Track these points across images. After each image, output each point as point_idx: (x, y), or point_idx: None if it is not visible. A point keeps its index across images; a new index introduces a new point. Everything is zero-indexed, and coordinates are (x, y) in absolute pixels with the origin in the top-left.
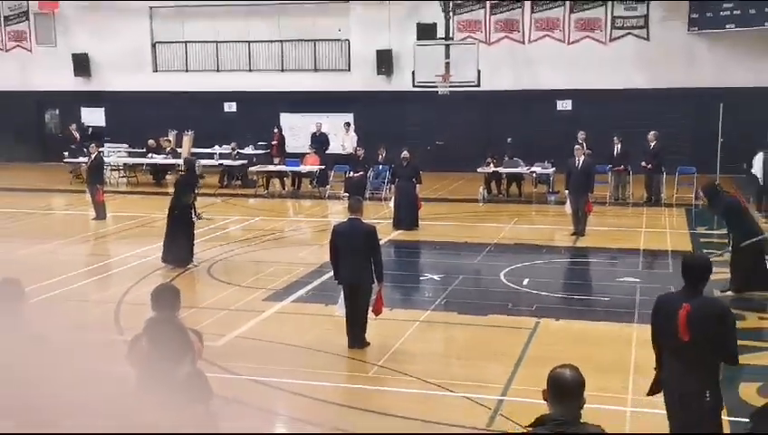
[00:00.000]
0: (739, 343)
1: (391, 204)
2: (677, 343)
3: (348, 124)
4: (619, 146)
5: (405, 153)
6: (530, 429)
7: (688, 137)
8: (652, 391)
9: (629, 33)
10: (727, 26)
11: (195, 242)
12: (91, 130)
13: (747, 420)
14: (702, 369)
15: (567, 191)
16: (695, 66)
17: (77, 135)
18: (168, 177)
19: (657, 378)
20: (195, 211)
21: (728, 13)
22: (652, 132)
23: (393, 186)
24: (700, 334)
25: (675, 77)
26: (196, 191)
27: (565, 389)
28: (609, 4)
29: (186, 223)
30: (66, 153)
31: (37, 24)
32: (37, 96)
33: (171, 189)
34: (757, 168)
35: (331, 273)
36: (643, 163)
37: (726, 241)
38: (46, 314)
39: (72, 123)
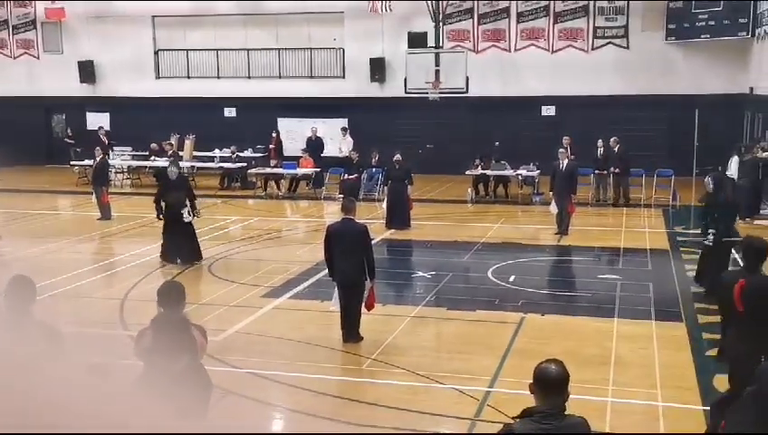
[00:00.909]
0: (714, 337)
1: (384, 205)
2: (735, 314)
3: (345, 129)
4: (602, 150)
5: (397, 156)
6: (517, 420)
7: (666, 141)
8: (718, 357)
9: (610, 43)
10: (702, 36)
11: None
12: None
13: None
14: (755, 337)
15: (552, 192)
16: (672, 74)
17: (105, 139)
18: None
19: (721, 344)
20: (190, 211)
21: (703, 24)
22: (613, 138)
23: (386, 187)
24: (752, 307)
25: (653, 84)
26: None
27: (551, 383)
28: (591, 15)
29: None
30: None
31: (44, 32)
32: (44, 101)
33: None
34: (733, 170)
35: (326, 270)
36: (612, 168)
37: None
38: (53, 310)
39: (99, 126)
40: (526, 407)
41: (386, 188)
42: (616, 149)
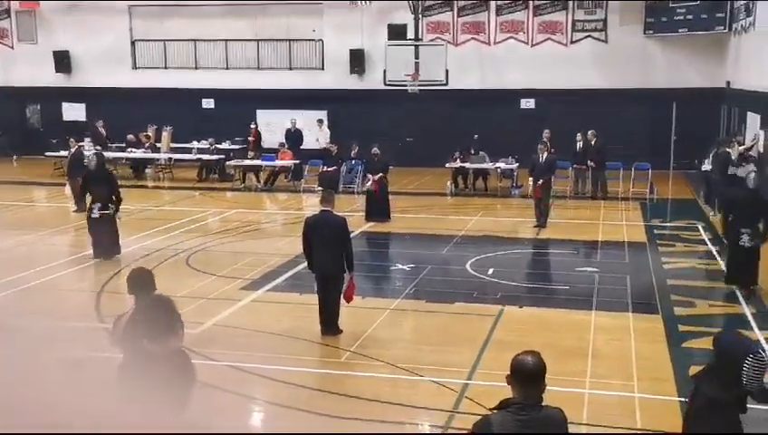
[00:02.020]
0: (690, 329)
1: (369, 184)
2: None
3: (320, 121)
4: (581, 143)
5: (375, 149)
6: (494, 412)
7: (643, 135)
8: None
9: (589, 36)
10: (680, 30)
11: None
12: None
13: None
14: None
15: (531, 179)
16: (650, 67)
17: (104, 131)
18: (147, 170)
19: None
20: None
21: (681, 17)
22: (590, 131)
23: (368, 179)
24: None
25: (631, 78)
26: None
27: (527, 375)
28: (570, 8)
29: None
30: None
31: (19, 21)
32: (19, 91)
33: (150, 183)
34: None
35: (305, 263)
36: (589, 162)
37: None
38: (24, 303)
39: (98, 120)
40: (503, 398)
41: (367, 180)
42: (593, 142)
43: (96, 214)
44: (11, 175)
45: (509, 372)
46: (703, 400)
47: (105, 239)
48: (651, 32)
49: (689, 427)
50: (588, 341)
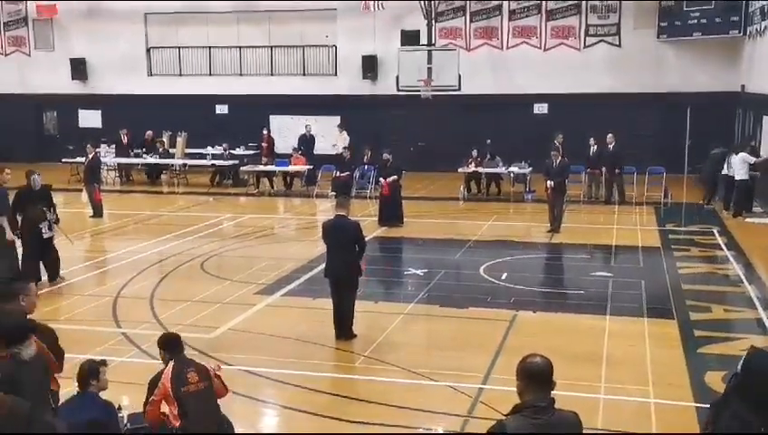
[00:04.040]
0: (706, 334)
1: (381, 180)
2: None
3: (340, 126)
4: (595, 147)
5: (386, 155)
6: (508, 417)
7: (657, 139)
8: None
9: (602, 41)
10: (694, 34)
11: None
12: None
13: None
14: None
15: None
16: (663, 72)
17: (126, 139)
18: (162, 176)
19: None
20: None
21: (695, 21)
22: (610, 134)
23: (380, 181)
24: None
25: (644, 82)
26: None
27: (538, 373)
28: (583, 13)
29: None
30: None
31: (36, 29)
32: (36, 99)
33: (165, 189)
34: (736, 168)
35: (319, 268)
36: (608, 166)
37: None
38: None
39: (123, 128)
40: (516, 404)
41: (377, 185)
42: (611, 146)
43: (49, 233)
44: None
45: (518, 380)
46: (734, 421)
47: (52, 261)
48: (665, 36)
49: None
50: (602, 346)
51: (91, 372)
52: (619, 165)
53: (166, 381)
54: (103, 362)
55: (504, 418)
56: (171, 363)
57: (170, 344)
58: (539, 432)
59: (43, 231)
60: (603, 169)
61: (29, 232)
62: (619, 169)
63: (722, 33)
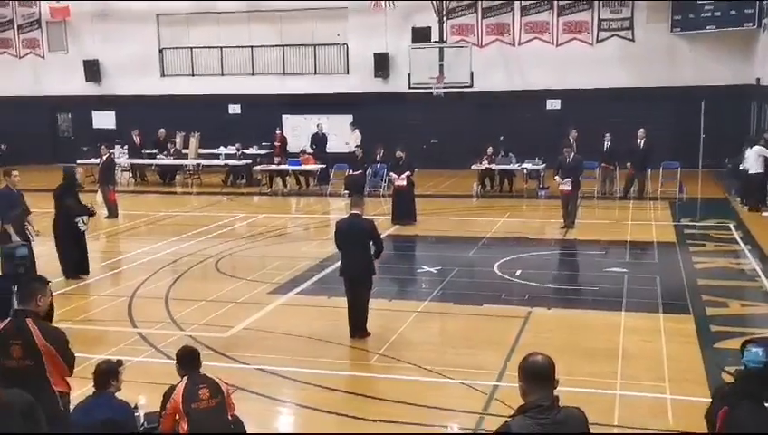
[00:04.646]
0: (722, 329)
1: (398, 181)
2: None
3: (353, 125)
4: (609, 143)
5: (399, 153)
6: (513, 418)
7: (671, 133)
8: None
9: (615, 35)
10: (708, 27)
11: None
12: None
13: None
14: None
15: (557, 178)
16: (677, 65)
17: (138, 139)
18: (177, 177)
19: None
20: (83, 220)
21: (709, 14)
22: (641, 129)
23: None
24: None
25: (658, 76)
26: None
27: (540, 371)
28: (595, 7)
29: (72, 233)
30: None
31: (49, 31)
32: (50, 101)
33: (179, 189)
34: (750, 162)
35: (333, 266)
36: (628, 163)
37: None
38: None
39: (133, 129)
40: (521, 404)
41: (389, 182)
42: (642, 141)
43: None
44: (43, 183)
45: (520, 380)
46: (747, 408)
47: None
48: (678, 29)
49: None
50: (618, 342)
51: (110, 373)
52: (649, 162)
53: (177, 397)
54: (120, 363)
55: (508, 419)
56: (185, 379)
57: (185, 360)
58: (545, 432)
59: (80, 225)
60: (629, 164)
61: (69, 226)
62: (648, 166)
63: (736, 26)
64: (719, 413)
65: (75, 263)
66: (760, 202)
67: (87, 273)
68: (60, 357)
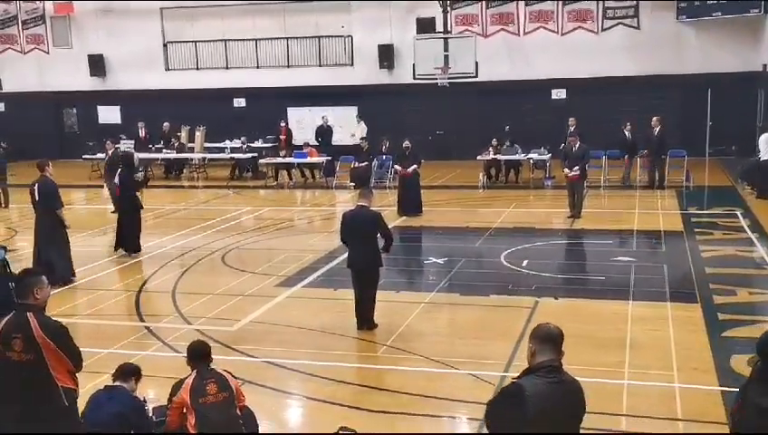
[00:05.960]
0: (730, 317)
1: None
2: None
3: (359, 117)
4: (629, 135)
5: (406, 143)
6: (520, 378)
7: (678, 121)
8: None
9: (620, 23)
10: (714, 14)
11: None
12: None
13: (737, 390)
14: None
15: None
16: (683, 53)
17: (143, 132)
18: (184, 171)
19: None
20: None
21: (714, 1)
22: (655, 118)
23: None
24: None
25: (664, 64)
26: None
27: (553, 337)
28: None
29: (133, 214)
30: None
31: (54, 26)
32: (55, 96)
33: (185, 183)
34: (761, 148)
35: (340, 259)
36: (645, 151)
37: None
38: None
39: (138, 121)
40: (527, 367)
41: (396, 174)
42: (656, 130)
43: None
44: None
45: (531, 342)
46: (751, 408)
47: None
48: (684, 16)
49: None
50: (625, 331)
51: (136, 372)
52: (664, 149)
53: (184, 392)
54: (141, 373)
55: (515, 379)
56: (193, 374)
57: (195, 354)
58: (554, 391)
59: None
60: (645, 152)
61: (134, 203)
62: (664, 153)
63: (742, 13)
64: (733, 407)
65: (135, 238)
66: None
67: (139, 250)
68: (60, 351)
